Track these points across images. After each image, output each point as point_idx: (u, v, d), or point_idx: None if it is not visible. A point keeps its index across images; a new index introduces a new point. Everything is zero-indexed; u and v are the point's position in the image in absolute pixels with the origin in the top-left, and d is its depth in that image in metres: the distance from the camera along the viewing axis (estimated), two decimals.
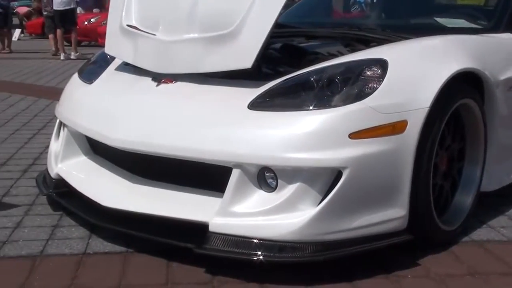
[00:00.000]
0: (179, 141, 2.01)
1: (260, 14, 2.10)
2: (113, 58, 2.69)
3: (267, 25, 2.07)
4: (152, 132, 2.08)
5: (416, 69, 2.10)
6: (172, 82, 2.26)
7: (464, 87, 2.23)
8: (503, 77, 2.47)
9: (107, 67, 2.68)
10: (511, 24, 2.83)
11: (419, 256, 2.13)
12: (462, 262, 2.11)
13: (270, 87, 2.06)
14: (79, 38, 11.76)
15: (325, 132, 1.88)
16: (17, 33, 14.69)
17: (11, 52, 11.45)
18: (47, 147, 3.61)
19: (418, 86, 2.05)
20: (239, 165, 1.92)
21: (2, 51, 11.41)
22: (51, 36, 10.79)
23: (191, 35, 2.25)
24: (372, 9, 3.36)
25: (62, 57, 10.19)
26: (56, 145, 2.69)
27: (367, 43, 2.68)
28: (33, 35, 16.89)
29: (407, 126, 1.97)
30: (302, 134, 1.88)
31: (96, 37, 12.76)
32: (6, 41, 11.67)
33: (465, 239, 2.33)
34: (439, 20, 3.07)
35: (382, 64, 2.03)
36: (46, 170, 2.70)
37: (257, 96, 2.03)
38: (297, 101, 1.98)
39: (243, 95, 2.07)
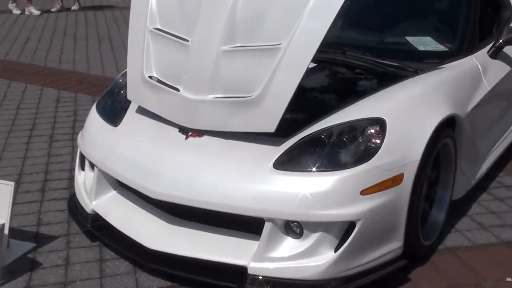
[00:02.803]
0: (214, 198, 2.38)
1: (282, 82, 2.42)
2: None
3: (289, 92, 2.40)
4: (189, 188, 2.43)
5: (407, 125, 2.54)
6: (200, 136, 2.60)
7: (444, 130, 2.69)
8: (470, 107, 2.96)
9: (125, 104, 2.95)
10: (470, 47, 3.30)
11: (409, 270, 2.65)
12: (443, 274, 2.65)
13: (290, 147, 2.44)
14: None
15: (340, 191, 2.31)
16: None
17: None
18: (50, 154, 3.90)
19: (410, 141, 2.49)
20: (270, 219, 2.33)
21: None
22: None
23: (216, 96, 2.55)
24: (348, 24, 3.66)
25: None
26: (81, 177, 2.99)
27: (354, 70, 3.12)
28: None
29: (404, 178, 2.43)
30: (322, 193, 2.29)
31: None
32: None
33: (440, 247, 2.88)
34: (409, 39, 3.47)
35: (381, 123, 2.45)
36: (74, 197, 3.01)
37: (280, 155, 2.42)
38: (314, 161, 2.38)
39: (267, 153, 2.45)
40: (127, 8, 11.06)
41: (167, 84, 2.71)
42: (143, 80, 2.79)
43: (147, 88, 2.77)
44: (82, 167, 3.03)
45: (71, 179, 3.52)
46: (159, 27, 2.78)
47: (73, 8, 10.13)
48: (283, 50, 2.44)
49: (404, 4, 3.77)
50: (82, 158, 3.02)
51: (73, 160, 3.78)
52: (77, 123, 4.52)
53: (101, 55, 6.93)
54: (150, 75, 2.78)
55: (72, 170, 3.65)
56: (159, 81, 2.75)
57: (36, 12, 9.60)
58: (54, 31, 8.41)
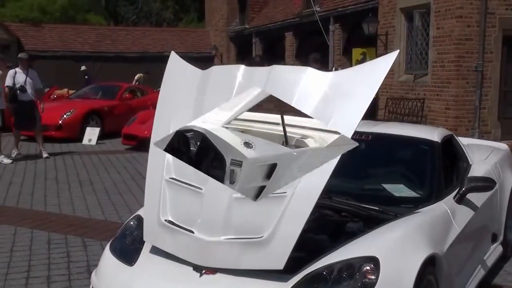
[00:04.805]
0: None
1: (288, 226, 2.79)
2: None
3: (295, 234, 2.76)
4: None
5: (397, 263, 2.90)
6: (213, 273, 2.88)
7: (428, 268, 3.05)
8: (445, 247, 3.36)
9: (139, 245, 3.23)
10: (438, 194, 3.79)
11: None
12: None
13: (296, 282, 2.75)
14: None
15: None
16: None
17: None
18: None
19: (401, 276, 2.84)
20: None
21: None
22: None
23: (228, 237, 2.89)
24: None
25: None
26: None
27: (340, 213, 3.52)
28: None
29: None
30: None
31: None
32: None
33: None
34: (385, 186, 3.96)
35: (375, 261, 2.81)
36: None
37: None
38: None
39: None
40: (103, 152, 11.54)
41: (182, 227, 3.04)
42: (159, 223, 3.11)
43: (163, 230, 3.09)
44: None
45: None
46: (174, 177, 3.18)
47: (44, 156, 10.29)
48: (288, 198, 2.84)
49: (379, 157, 4.31)
50: None
51: None
52: (72, 264, 4.69)
53: (84, 197, 7.20)
54: (166, 218, 3.11)
55: None
56: (174, 224, 3.07)
57: (8, 161, 9.79)
58: (35, 175, 8.71)
